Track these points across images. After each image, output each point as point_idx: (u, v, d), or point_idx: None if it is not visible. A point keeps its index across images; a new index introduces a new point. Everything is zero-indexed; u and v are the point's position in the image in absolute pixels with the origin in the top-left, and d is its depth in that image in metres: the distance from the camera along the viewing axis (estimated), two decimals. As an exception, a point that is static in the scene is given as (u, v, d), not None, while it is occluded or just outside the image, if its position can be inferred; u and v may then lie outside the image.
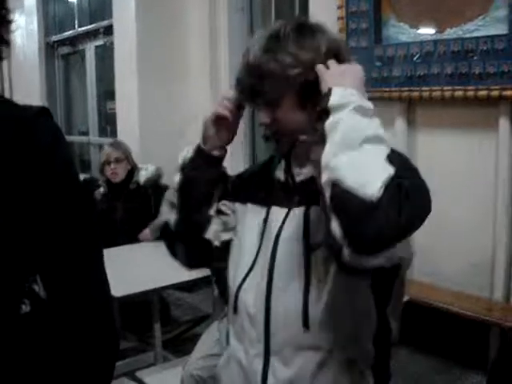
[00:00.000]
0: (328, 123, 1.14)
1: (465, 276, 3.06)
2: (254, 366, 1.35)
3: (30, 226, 0.91)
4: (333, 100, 1.15)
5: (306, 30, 1.31)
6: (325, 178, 1.11)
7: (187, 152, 1.48)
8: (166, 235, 1.49)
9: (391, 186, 1.06)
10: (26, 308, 0.94)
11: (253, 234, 1.40)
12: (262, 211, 1.40)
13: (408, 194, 1.08)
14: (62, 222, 0.94)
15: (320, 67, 1.25)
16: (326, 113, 1.15)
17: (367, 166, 1.09)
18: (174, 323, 3.98)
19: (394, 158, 1.14)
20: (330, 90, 1.18)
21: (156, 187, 3.92)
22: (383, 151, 1.11)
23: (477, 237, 3.00)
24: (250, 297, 1.36)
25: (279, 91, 1.29)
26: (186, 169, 1.45)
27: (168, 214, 1.45)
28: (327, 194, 1.11)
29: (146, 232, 3.74)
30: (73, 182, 0.97)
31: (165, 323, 3.57)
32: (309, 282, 1.29)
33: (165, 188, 4.18)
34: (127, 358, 3.30)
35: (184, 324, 3.99)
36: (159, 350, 3.21)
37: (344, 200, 1.08)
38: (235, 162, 4.36)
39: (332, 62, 1.25)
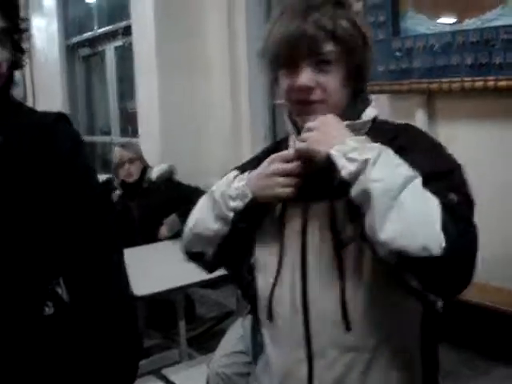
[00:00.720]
0: (354, 196, 1.10)
1: (489, 268, 3.02)
2: (297, 371, 1.29)
3: (52, 229, 0.93)
4: (344, 172, 1.11)
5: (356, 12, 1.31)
6: (382, 251, 1.08)
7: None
8: (200, 262, 1.45)
9: (448, 223, 1.04)
10: (49, 310, 0.96)
11: (272, 230, 1.33)
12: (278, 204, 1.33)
13: (462, 215, 1.09)
14: (82, 225, 0.95)
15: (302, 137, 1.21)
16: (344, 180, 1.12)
17: (417, 222, 1.05)
18: (199, 320, 4.00)
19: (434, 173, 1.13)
20: (328, 157, 1.14)
21: (169, 183, 3.95)
22: (417, 185, 1.08)
23: (500, 228, 2.98)
24: (286, 302, 1.30)
25: (339, 56, 1.24)
26: (235, 218, 1.32)
27: (208, 222, 1.35)
28: (390, 260, 1.09)
29: (163, 229, 3.76)
30: (92, 186, 0.99)
31: (190, 320, 3.59)
32: (344, 281, 1.23)
33: (177, 183, 4.16)
34: (152, 355, 3.33)
35: (209, 321, 4.01)
36: (184, 347, 3.23)
37: (415, 267, 1.07)
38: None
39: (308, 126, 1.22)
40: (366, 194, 1.08)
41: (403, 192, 1.06)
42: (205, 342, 3.54)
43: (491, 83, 2.80)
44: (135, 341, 1.04)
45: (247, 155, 4.89)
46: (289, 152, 1.28)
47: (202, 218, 1.36)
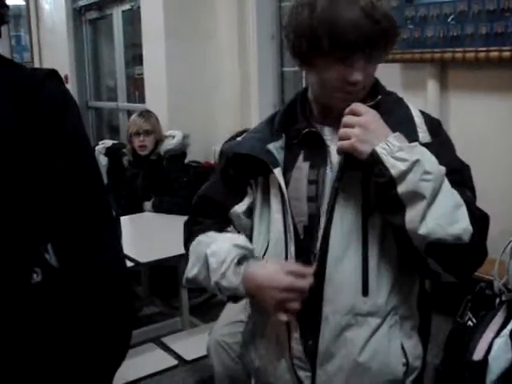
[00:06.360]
0: (401, 193, 1.15)
1: (504, 241, 2.98)
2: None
3: (39, 193, 0.89)
4: (394, 171, 1.15)
5: None
6: (417, 242, 1.17)
7: None
8: None
9: (471, 214, 1.17)
10: (37, 277, 0.92)
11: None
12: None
13: (477, 207, 1.23)
14: (71, 188, 0.91)
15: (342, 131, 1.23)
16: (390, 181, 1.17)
17: (452, 215, 1.16)
18: (202, 289, 3.98)
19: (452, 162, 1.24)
20: (374, 154, 1.17)
21: (173, 161, 3.94)
22: (447, 180, 1.18)
23: (509, 203, 2.92)
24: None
25: (388, 47, 1.26)
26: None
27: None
28: (421, 248, 1.18)
29: (147, 205, 3.75)
30: (82, 147, 0.94)
31: (193, 289, 3.57)
32: (367, 248, 1.27)
33: (180, 166, 4.06)
34: (154, 323, 3.32)
35: (212, 290, 4.00)
36: (186, 315, 3.22)
37: (443, 253, 1.17)
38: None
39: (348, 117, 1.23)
40: (415, 192, 1.14)
41: (442, 188, 1.16)
42: (207, 310, 3.54)
43: (507, 53, 2.72)
44: (128, 309, 1.01)
45: (255, 122, 4.82)
46: (307, 270, 1.25)
47: (200, 278, 1.40)
